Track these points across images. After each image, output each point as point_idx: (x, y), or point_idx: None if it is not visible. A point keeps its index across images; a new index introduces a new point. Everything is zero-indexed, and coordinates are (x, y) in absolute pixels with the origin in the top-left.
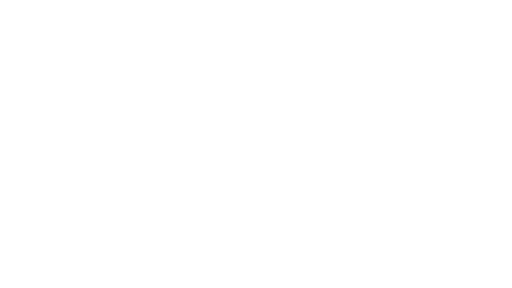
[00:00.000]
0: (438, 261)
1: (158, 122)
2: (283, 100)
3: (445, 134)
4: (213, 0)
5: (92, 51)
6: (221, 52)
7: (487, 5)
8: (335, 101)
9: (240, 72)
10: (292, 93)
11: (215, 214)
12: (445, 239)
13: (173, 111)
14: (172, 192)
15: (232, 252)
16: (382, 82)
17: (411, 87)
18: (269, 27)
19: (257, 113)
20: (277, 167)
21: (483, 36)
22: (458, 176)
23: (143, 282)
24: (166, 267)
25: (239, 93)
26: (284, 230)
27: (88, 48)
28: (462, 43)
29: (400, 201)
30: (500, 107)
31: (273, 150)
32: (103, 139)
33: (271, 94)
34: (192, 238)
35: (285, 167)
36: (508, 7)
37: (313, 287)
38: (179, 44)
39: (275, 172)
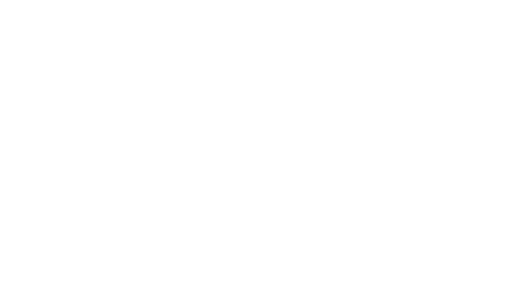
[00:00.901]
0: (438, 261)
1: (158, 122)
2: (283, 100)
3: (445, 134)
4: (213, 0)
5: (92, 51)
6: (221, 52)
7: (487, 5)
8: (335, 101)
9: (240, 72)
10: (292, 93)
11: (215, 214)
12: (444, 239)
13: (173, 111)
14: (172, 192)
15: (231, 252)
16: (382, 82)
17: (411, 87)
18: (269, 27)
19: (257, 113)
20: (276, 167)
21: (483, 36)
22: (458, 176)
23: (142, 282)
24: (165, 267)
25: (239, 93)
26: (283, 230)
27: (88, 48)
28: (462, 43)
29: (400, 201)
30: (500, 107)
31: (272, 150)
32: (103, 139)
33: (271, 94)
34: (192, 238)
35: (285, 167)
36: (508, 7)
37: (312, 287)
38: (179, 44)
39: (275, 172)
